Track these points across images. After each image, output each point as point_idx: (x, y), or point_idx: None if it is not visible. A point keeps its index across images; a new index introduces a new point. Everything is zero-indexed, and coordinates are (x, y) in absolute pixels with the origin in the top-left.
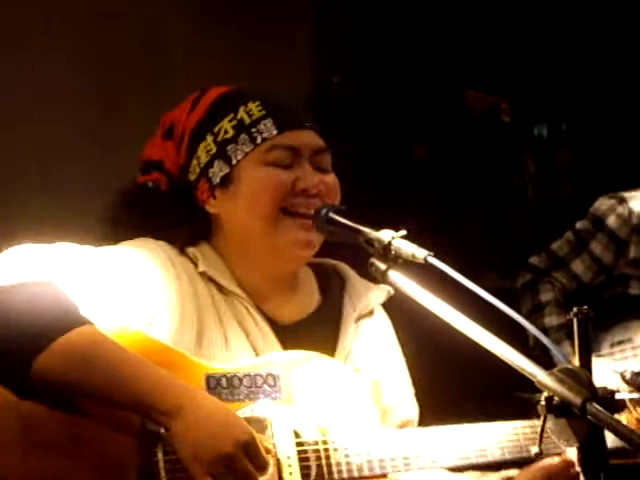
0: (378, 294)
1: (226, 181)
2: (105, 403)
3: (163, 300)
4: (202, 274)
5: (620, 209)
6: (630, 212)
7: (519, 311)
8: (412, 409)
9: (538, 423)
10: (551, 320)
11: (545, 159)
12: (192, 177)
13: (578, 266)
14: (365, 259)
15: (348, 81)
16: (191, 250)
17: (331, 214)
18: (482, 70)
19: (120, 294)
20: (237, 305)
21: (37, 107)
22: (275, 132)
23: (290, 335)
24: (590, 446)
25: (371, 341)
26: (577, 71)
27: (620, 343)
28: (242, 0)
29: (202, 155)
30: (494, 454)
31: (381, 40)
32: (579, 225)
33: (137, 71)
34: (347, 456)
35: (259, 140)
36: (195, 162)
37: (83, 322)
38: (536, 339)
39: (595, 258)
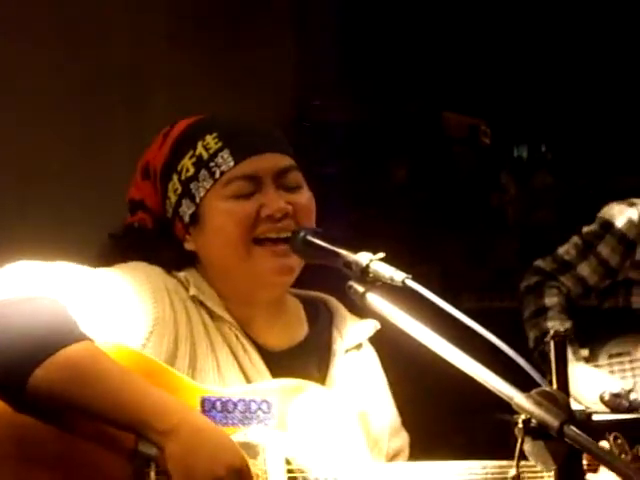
0: (366, 328)
1: (194, 219)
2: (100, 420)
3: (157, 322)
4: (193, 298)
5: (630, 212)
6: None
7: (518, 315)
8: (402, 438)
9: (506, 464)
10: (554, 325)
11: (525, 180)
12: (169, 215)
13: (584, 269)
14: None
15: (329, 104)
16: (182, 274)
17: (308, 237)
18: (461, 92)
19: (115, 313)
20: (226, 331)
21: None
22: (232, 163)
23: (279, 362)
24: (568, 469)
25: (358, 373)
26: (556, 92)
27: (618, 355)
28: (222, 22)
29: (171, 195)
30: None
31: (363, 62)
32: (586, 229)
33: (116, 96)
34: None
35: (217, 174)
36: (168, 202)
37: (81, 338)
38: (536, 342)
39: (602, 260)
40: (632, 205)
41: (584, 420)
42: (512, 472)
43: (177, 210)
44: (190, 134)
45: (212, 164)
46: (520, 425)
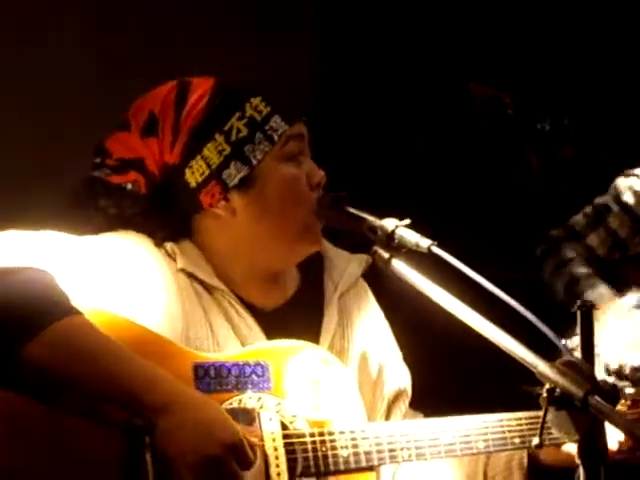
0: (357, 266)
1: (245, 183)
2: (91, 396)
3: (149, 291)
4: (182, 270)
5: (638, 186)
6: None
7: (536, 281)
8: (403, 377)
9: (523, 416)
10: (580, 269)
11: (547, 154)
12: (193, 179)
13: (593, 240)
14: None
15: (352, 74)
16: (169, 245)
17: (335, 201)
18: (485, 65)
19: (107, 283)
20: (219, 298)
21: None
22: (286, 127)
23: (273, 322)
24: (590, 439)
25: (355, 315)
26: (579, 66)
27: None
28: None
29: (212, 156)
30: (478, 447)
31: (387, 35)
32: (598, 200)
33: (140, 59)
34: (334, 449)
35: (276, 138)
36: (200, 163)
37: (72, 312)
38: (565, 289)
39: (611, 232)
40: None
41: (608, 390)
42: (535, 440)
43: (219, 172)
44: (231, 94)
45: (267, 127)
46: (544, 394)
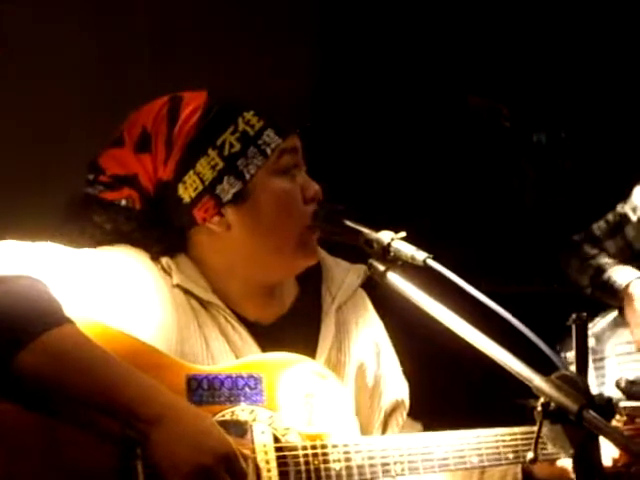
0: (355, 277)
1: (239, 197)
2: (84, 406)
3: (144, 305)
4: (178, 286)
5: None
6: None
7: (536, 300)
8: (401, 389)
9: (518, 430)
10: (604, 259)
11: (544, 166)
12: (186, 195)
13: (611, 247)
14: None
15: (350, 85)
16: (165, 260)
17: (331, 214)
18: (483, 77)
19: (102, 295)
20: (215, 313)
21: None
22: (280, 140)
23: (270, 336)
24: (585, 453)
25: (353, 326)
26: (575, 79)
27: (626, 344)
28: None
29: (205, 171)
30: (472, 462)
31: (386, 46)
32: (619, 208)
33: (141, 63)
34: (327, 462)
35: (269, 152)
36: (194, 178)
37: (65, 321)
38: (591, 280)
39: (627, 242)
40: None
41: (603, 405)
42: (530, 455)
43: (212, 187)
44: (224, 109)
45: (260, 142)
46: (539, 408)
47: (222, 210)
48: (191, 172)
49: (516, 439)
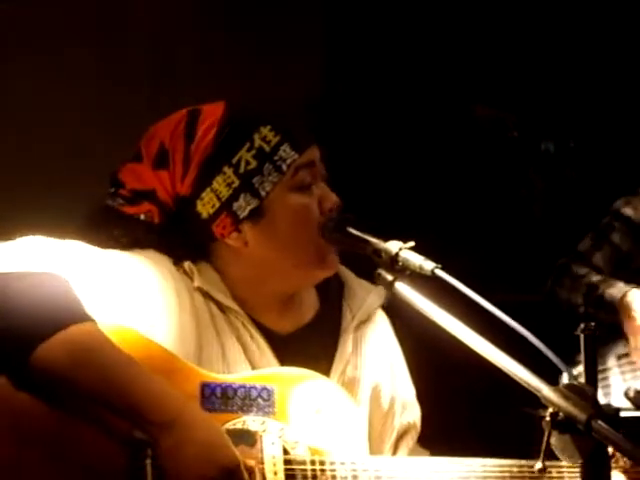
0: (377, 298)
1: (255, 214)
2: (97, 403)
3: (164, 309)
4: (198, 289)
5: (636, 201)
6: None
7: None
8: (413, 412)
9: (526, 463)
10: (595, 277)
11: (552, 175)
12: (204, 211)
13: (599, 259)
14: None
15: (354, 90)
16: (187, 264)
17: (339, 223)
18: (490, 86)
19: (122, 296)
20: (234, 320)
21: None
22: (296, 156)
23: (287, 346)
24: (593, 463)
25: (371, 346)
26: (584, 88)
27: (627, 355)
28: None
29: (221, 188)
30: None
31: (391, 56)
32: (601, 222)
33: (141, 80)
34: (334, 478)
35: (284, 168)
36: (211, 195)
37: (87, 319)
38: (584, 299)
39: (615, 247)
40: (638, 195)
41: (612, 415)
42: (538, 465)
43: (229, 205)
44: (239, 125)
45: (276, 157)
46: (547, 418)
47: (239, 227)
48: (208, 189)
49: (523, 471)
